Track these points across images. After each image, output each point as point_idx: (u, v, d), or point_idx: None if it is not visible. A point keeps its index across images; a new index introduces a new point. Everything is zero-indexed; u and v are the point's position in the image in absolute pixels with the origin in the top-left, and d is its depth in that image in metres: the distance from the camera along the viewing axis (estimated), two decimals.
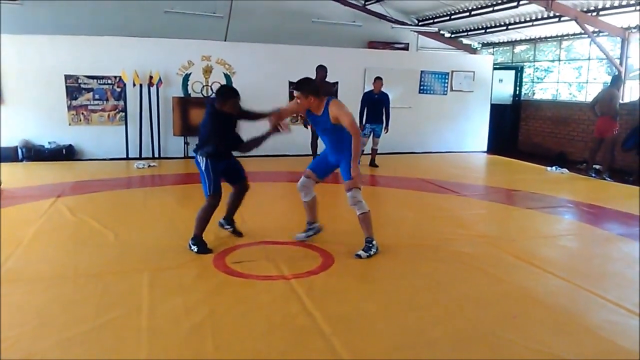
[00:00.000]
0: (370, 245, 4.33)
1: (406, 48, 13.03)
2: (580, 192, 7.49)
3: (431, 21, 12.87)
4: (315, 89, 4.21)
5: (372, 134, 9.02)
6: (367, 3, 12.60)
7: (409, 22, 13.25)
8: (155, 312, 3.19)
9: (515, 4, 10.05)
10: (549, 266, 4.27)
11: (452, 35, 13.47)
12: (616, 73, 9.53)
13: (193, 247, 4.33)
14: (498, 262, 4.40)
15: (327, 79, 8.85)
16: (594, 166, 8.85)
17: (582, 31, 9.76)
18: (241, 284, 3.71)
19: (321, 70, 8.65)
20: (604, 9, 9.32)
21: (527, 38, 12.08)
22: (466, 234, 5.20)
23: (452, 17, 11.99)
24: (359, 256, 4.27)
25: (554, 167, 9.27)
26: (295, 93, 4.22)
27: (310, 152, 8.97)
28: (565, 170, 9.11)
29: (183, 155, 9.68)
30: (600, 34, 10.02)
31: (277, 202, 6.69)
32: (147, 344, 2.82)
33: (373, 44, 12.63)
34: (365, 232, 4.36)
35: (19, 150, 8.82)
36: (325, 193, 7.26)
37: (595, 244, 5.20)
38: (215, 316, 3.17)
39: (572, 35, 10.99)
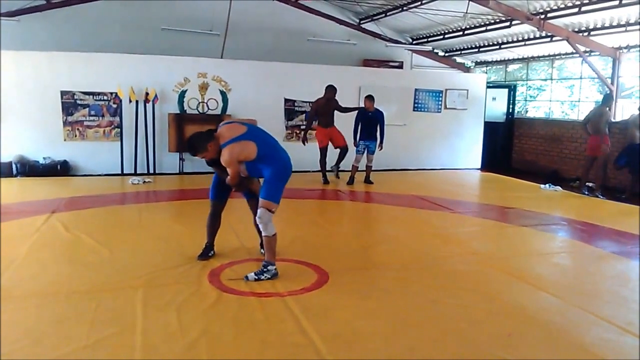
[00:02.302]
0: (265, 270, 4.09)
1: (400, 66, 13.19)
2: (574, 210, 7.54)
3: (425, 40, 13.05)
4: (206, 137, 4.04)
5: (366, 151, 9.07)
6: (362, 22, 12.79)
7: (403, 41, 13.42)
8: (149, 330, 3.17)
9: (507, 24, 10.22)
10: (543, 284, 4.29)
11: (446, 54, 13.64)
12: (607, 92, 9.66)
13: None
14: (492, 279, 4.42)
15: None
16: (586, 184, 8.92)
17: (574, 51, 9.92)
18: (236, 301, 3.70)
19: (330, 90, 8.80)
20: (595, 29, 9.49)
21: (520, 57, 12.24)
22: (460, 252, 5.22)
23: (446, 36, 12.17)
24: (247, 278, 4.05)
25: (547, 185, 9.34)
26: (198, 156, 4.10)
27: (319, 169, 9.13)
28: (558, 188, 9.17)
29: (178, 171, 9.69)
30: (592, 54, 10.18)
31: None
32: None
33: (368, 62, 12.79)
34: (265, 255, 4.16)
35: (14, 166, 8.81)
36: (328, 211, 7.31)
37: (588, 261, 5.22)
38: (210, 334, 3.16)
39: (564, 54, 11.15)
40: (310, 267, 4.41)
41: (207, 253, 4.60)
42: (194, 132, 4.13)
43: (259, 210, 4.08)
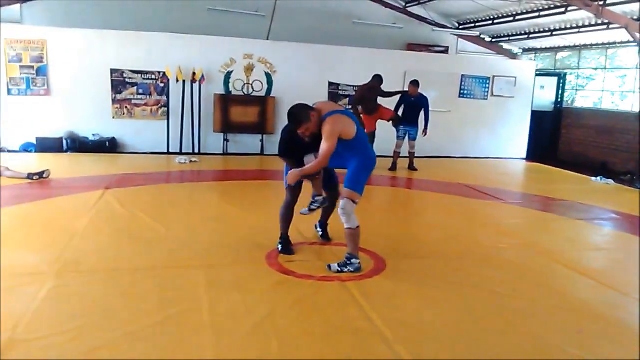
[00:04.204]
0: (349, 262, 3.94)
1: (446, 51, 12.91)
2: (628, 204, 7.27)
3: (472, 25, 12.70)
4: (308, 107, 3.83)
5: (407, 137, 8.94)
6: (407, 5, 12.53)
7: (450, 26, 13.11)
8: (216, 309, 3.20)
9: (563, 10, 9.85)
10: (605, 279, 4.16)
11: (493, 40, 13.28)
12: None
13: (279, 245, 4.35)
14: (551, 273, 4.32)
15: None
16: None
17: (630, 39, 9.51)
18: (297, 283, 3.70)
19: (376, 80, 8.63)
20: None
21: (572, 45, 11.82)
22: (515, 243, 5.12)
23: (495, 21, 11.82)
24: (330, 268, 3.93)
25: (599, 178, 9.05)
26: (300, 130, 3.79)
27: None
28: (611, 181, 8.88)
29: (222, 152, 9.75)
30: None
31: None
32: (212, 340, 2.83)
33: (412, 47, 12.55)
34: (348, 248, 3.98)
35: (64, 141, 9.01)
36: (375, 197, 7.24)
37: None
38: (276, 315, 3.17)
39: (619, 43, 10.71)
40: (366, 253, 4.34)
41: (290, 246, 4.35)
42: (294, 104, 3.88)
43: (342, 202, 3.90)
